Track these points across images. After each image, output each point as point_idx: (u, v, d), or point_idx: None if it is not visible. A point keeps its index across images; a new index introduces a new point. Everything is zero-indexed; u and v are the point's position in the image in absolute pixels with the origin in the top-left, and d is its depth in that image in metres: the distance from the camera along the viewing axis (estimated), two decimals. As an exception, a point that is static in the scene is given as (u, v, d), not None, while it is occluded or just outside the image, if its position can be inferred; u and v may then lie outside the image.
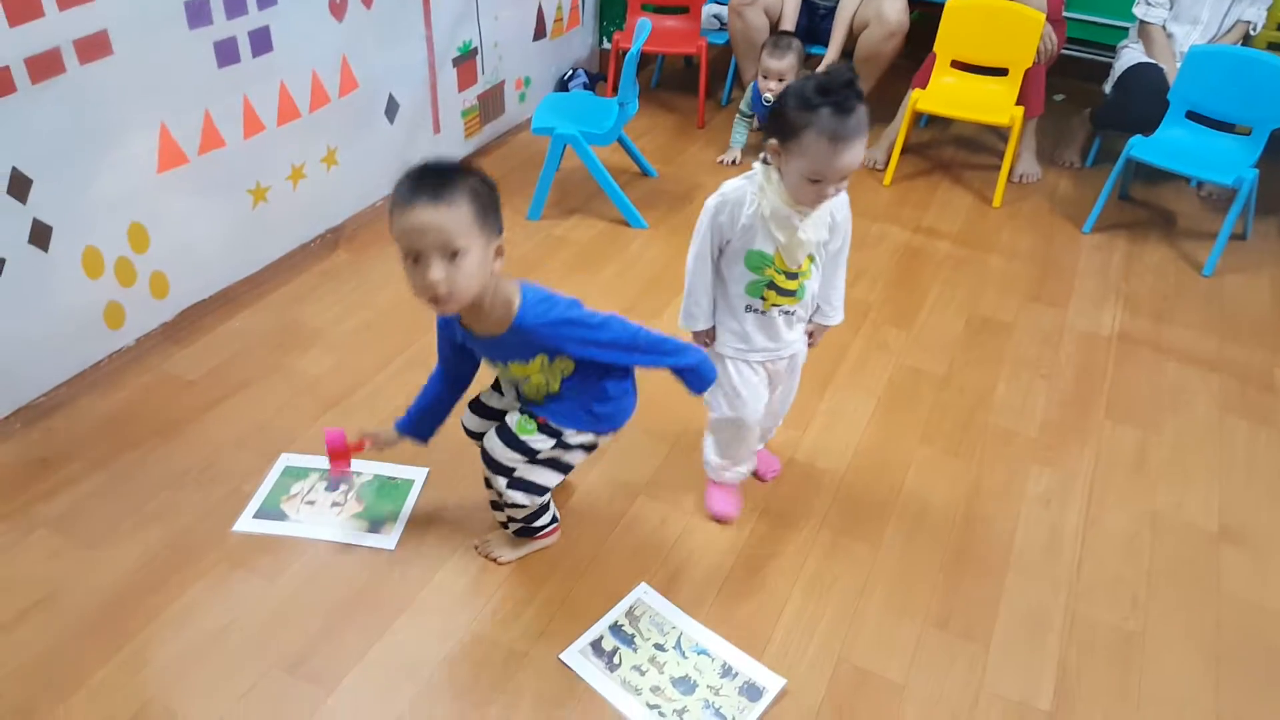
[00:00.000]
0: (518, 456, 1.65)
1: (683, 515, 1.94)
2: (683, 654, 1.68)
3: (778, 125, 1.51)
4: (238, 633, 1.66)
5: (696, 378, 1.64)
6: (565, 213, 3.02)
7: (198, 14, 2.18)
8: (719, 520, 1.93)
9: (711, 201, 1.64)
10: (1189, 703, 1.62)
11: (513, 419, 1.65)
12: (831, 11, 3.45)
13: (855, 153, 1.47)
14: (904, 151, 3.41)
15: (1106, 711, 1.60)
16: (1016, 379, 2.38)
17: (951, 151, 3.57)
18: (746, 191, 1.61)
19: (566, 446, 1.67)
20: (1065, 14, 3.38)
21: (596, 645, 1.68)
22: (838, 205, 1.64)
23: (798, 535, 1.91)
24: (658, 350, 1.58)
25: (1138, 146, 2.89)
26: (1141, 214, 3.21)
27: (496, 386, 1.78)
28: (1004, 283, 2.77)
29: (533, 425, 1.63)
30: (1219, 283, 2.84)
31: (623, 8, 3.74)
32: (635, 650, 1.68)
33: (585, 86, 3.59)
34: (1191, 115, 2.95)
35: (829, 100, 1.43)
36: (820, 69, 3.34)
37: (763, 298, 1.68)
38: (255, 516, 1.89)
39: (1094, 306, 2.69)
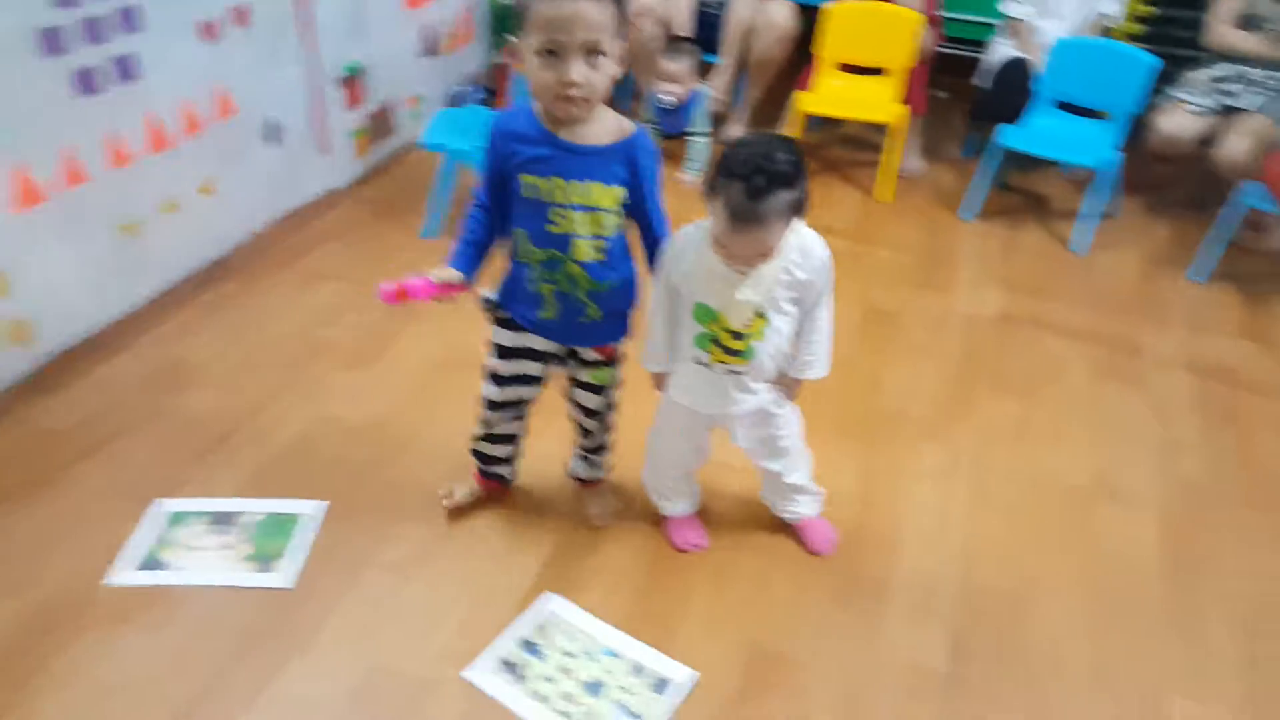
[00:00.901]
0: (615, 392, 1.80)
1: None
2: (592, 658, 1.67)
3: (709, 177, 1.45)
4: (122, 692, 1.57)
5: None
6: (463, 230, 3.00)
7: (52, 42, 2.08)
8: (687, 550, 1.88)
9: (666, 242, 1.59)
10: (1072, 655, 1.70)
11: (585, 378, 1.74)
12: (722, 19, 3.50)
13: (758, 238, 1.41)
14: (795, 153, 3.50)
15: (997, 670, 1.67)
16: (907, 363, 2.46)
17: (840, 151, 3.68)
18: (694, 240, 1.54)
19: (624, 354, 1.76)
20: (941, 13, 3.54)
21: (505, 661, 1.65)
22: (798, 263, 1.51)
23: (702, 527, 1.91)
24: (664, 223, 1.63)
25: (1008, 136, 3.02)
26: (1018, 200, 3.36)
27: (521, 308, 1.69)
28: (893, 273, 2.86)
29: (606, 370, 1.73)
30: (1091, 260, 3.00)
31: (516, 22, 3.73)
32: (544, 660, 1.66)
33: (482, 102, 3.58)
34: (1059, 104, 3.10)
35: (743, 178, 1.36)
36: (714, 79, 3.43)
37: (708, 352, 1.61)
38: (137, 569, 1.79)
39: (976, 289, 2.81)
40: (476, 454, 1.90)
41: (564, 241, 1.53)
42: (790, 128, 3.31)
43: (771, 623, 1.73)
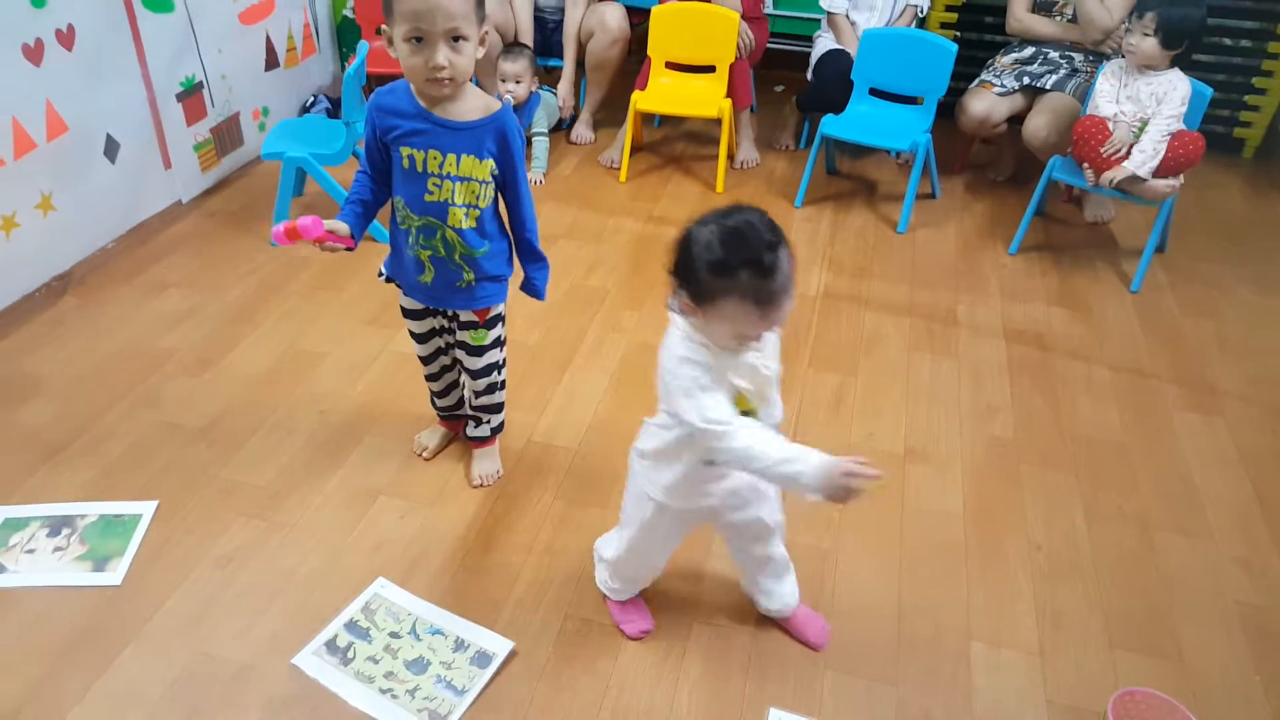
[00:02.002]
0: (494, 353, 1.93)
1: (422, 508, 2.01)
2: (417, 637, 1.75)
3: (687, 282, 1.29)
4: (-53, 695, 1.60)
5: (541, 279, 1.85)
6: (310, 235, 3.05)
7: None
8: (641, 638, 1.76)
9: (681, 373, 1.36)
10: (876, 603, 1.84)
11: (462, 338, 1.89)
12: (560, 25, 3.64)
13: (786, 306, 1.27)
14: (640, 150, 3.65)
15: (804, 621, 1.79)
16: (735, 343, 2.59)
17: (682, 146, 3.81)
18: (698, 349, 1.37)
19: (502, 318, 1.92)
20: (771, 12, 3.71)
21: (331, 644, 1.73)
22: None
23: (532, 510, 2.02)
24: (533, 218, 1.80)
25: (828, 124, 3.20)
26: (846, 185, 3.55)
27: (415, 314, 1.90)
28: (726, 259, 3.00)
29: (483, 332, 1.88)
30: (911, 238, 3.19)
31: (358, 34, 3.79)
32: (370, 642, 1.73)
33: (328, 112, 3.61)
34: (877, 92, 3.30)
35: (748, 263, 1.22)
36: (560, 84, 3.55)
37: None
38: (-34, 574, 1.83)
39: (803, 271, 2.96)
40: (433, 403, 2.13)
41: (441, 209, 1.69)
42: (630, 125, 3.43)
43: (591, 594, 1.82)
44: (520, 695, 1.64)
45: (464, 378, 2.05)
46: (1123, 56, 2.88)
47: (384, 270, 1.88)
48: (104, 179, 2.81)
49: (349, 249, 1.70)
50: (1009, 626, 1.81)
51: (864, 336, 2.66)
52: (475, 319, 1.86)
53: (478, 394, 2.00)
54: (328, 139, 2.94)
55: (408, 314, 1.92)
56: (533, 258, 1.83)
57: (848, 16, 3.45)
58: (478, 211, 1.71)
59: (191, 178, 3.17)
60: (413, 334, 1.96)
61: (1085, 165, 2.89)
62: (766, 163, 3.69)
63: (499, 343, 1.93)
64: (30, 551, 1.89)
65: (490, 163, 1.67)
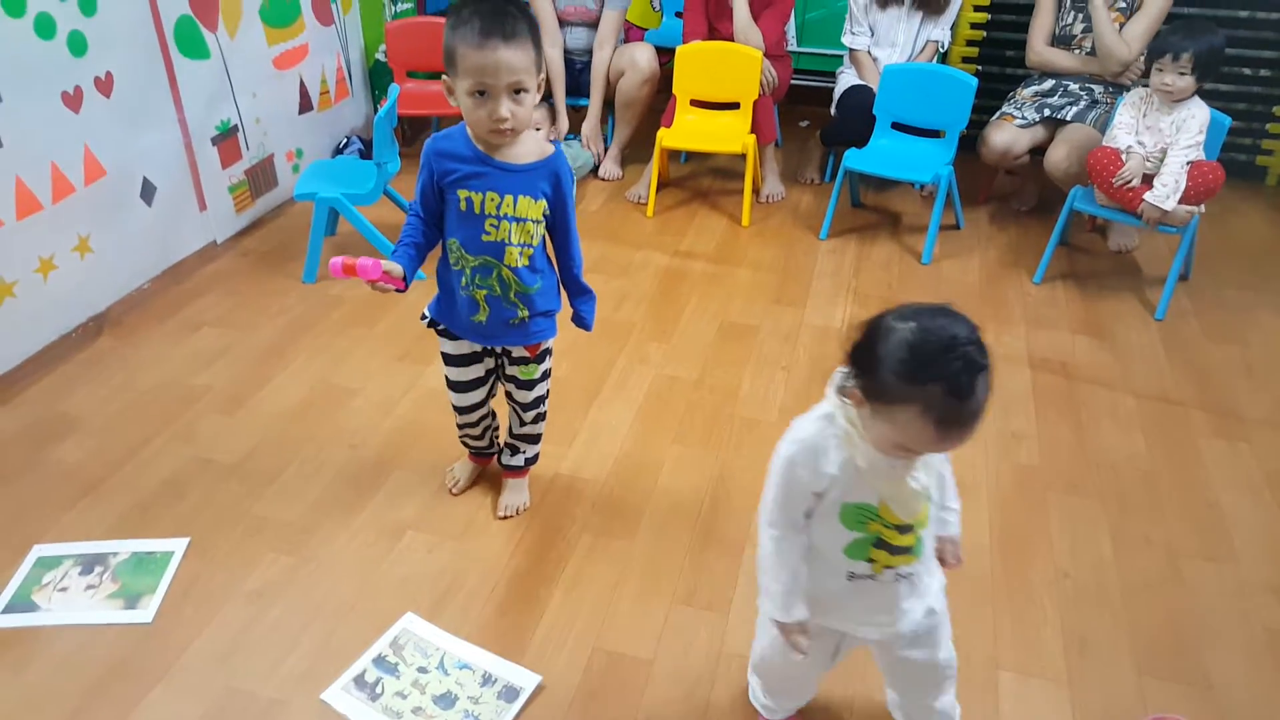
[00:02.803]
0: (543, 386, 1.98)
1: (450, 541, 2.02)
2: (445, 672, 1.75)
3: (866, 373, 1.16)
4: (-22, 730, 1.62)
5: (589, 311, 1.91)
6: (342, 273, 3.10)
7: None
8: None
9: (784, 450, 1.29)
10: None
11: (513, 372, 1.93)
12: (588, 65, 3.72)
13: (969, 436, 1.13)
14: (667, 185, 3.69)
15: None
16: (759, 374, 2.61)
17: (709, 181, 3.86)
18: (829, 437, 1.25)
19: (550, 351, 1.95)
20: (794, 49, 3.76)
21: (359, 679, 1.73)
22: None
23: (559, 543, 2.02)
24: (579, 255, 1.85)
25: (851, 158, 3.23)
26: (871, 218, 3.57)
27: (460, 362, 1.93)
28: (751, 291, 3.02)
29: (533, 366, 1.92)
30: (936, 268, 3.20)
31: (390, 77, 3.89)
32: (399, 677, 1.73)
33: (360, 153, 3.70)
34: (900, 126, 3.33)
35: (943, 381, 1.08)
36: (586, 121, 3.61)
37: (870, 559, 1.30)
38: (4, 612, 1.85)
39: (828, 303, 2.97)
40: (464, 442, 2.14)
41: (498, 249, 1.74)
42: (656, 161, 3.49)
43: (617, 625, 1.82)
44: (548, 730, 1.64)
45: (495, 419, 2.11)
46: (1143, 87, 2.89)
47: (428, 314, 1.89)
48: (140, 221, 2.88)
49: (400, 290, 1.73)
50: (1036, 654, 1.79)
51: (889, 367, 2.65)
52: (527, 354, 1.90)
53: (522, 423, 2.04)
54: (359, 179, 3.00)
55: (451, 360, 1.94)
56: (580, 291, 1.89)
57: (869, 53, 3.50)
58: (531, 250, 1.76)
59: (226, 219, 3.24)
60: (450, 382, 1.97)
61: (1098, 190, 2.90)
62: (792, 196, 3.72)
63: (547, 375, 1.97)
64: (63, 590, 1.91)
65: (543, 203, 1.73)
